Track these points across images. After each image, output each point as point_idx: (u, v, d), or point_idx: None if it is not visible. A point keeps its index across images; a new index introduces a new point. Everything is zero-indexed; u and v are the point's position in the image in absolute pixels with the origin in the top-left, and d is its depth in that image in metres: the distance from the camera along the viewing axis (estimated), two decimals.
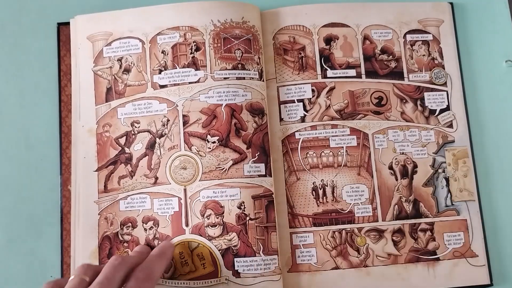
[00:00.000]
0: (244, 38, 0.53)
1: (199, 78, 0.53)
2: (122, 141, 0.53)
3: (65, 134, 0.53)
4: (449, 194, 0.53)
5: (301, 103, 0.54)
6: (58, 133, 0.53)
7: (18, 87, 0.55)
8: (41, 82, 0.55)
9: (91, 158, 0.52)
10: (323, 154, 0.53)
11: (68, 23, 0.55)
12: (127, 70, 0.54)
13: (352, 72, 0.55)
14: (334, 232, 0.52)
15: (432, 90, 0.55)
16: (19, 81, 0.55)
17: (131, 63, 0.54)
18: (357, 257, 0.51)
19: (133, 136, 0.52)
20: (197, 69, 0.53)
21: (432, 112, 0.55)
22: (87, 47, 0.54)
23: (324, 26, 0.56)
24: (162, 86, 0.53)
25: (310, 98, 0.54)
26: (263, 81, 0.53)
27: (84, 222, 0.51)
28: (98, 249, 0.50)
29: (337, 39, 0.56)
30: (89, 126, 0.53)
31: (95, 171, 0.52)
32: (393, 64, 0.56)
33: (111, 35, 0.55)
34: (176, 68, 0.53)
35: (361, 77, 0.55)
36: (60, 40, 0.55)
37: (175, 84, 0.53)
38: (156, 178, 0.51)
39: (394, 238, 0.52)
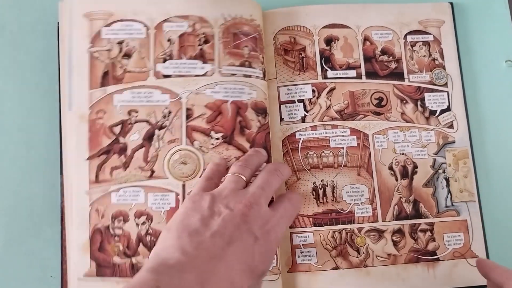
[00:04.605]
0: (252, 36, 0.53)
1: (206, 72, 0.51)
2: (117, 130, 0.50)
3: None
4: (449, 195, 0.53)
5: (302, 103, 0.54)
6: (58, 133, 0.53)
7: (18, 87, 0.55)
8: (41, 82, 0.55)
9: (82, 145, 0.49)
10: (323, 154, 0.53)
11: None
12: (127, 55, 0.51)
13: (352, 73, 0.55)
14: (334, 232, 0.52)
15: (433, 90, 0.55)
16: (19, 81, 0.55)
17: (133, 47, 0.51)
18: (357, 257, 0.51)
19: (130, 125, 0.50)
20: (204, 62, 0.51)
21: (433, 112, 0.55)
22: (84, 25, 0.51)
23: (325, 27, 0.56)
24: (166, 76, 0.51)
25: (311, 99, 0.54)
26: (265, 80, 0.53)
27: (76, 213, 0.49)
28: (89, 242, 0.48)
29: (338, 40, 0.56)
30: (81, 111, 0.50)
31: (87, 159, 0.49)
32: (393, 65, 0.56)
33: (112, 15, 0.51)
34: (182, 59, 0.51)
35: (361, 78, 0.55)
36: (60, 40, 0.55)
37: (180, 75, 0.51)
38: (152, 172, 0.49)
39: (394, 238, 0.52)
